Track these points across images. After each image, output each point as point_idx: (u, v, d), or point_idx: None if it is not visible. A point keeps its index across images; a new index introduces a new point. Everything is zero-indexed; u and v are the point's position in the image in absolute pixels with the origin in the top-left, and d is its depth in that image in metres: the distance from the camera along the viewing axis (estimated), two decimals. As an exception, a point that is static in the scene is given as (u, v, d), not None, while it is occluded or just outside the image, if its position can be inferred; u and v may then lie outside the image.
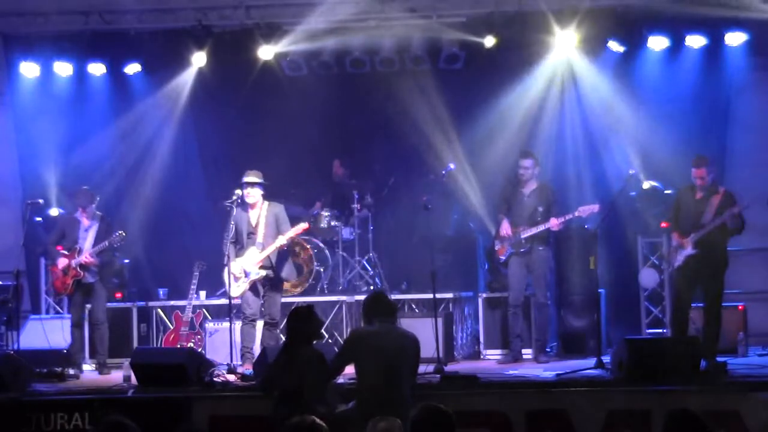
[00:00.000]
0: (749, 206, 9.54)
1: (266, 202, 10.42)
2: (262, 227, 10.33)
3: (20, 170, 12.94)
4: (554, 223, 10.64)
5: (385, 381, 7.39)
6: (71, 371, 10.44)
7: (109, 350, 11.12)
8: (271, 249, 10.22)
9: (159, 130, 12.95)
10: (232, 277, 10.27)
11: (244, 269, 10.22)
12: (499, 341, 11.32)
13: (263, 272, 10.25)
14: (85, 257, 10.67)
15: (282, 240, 10.21)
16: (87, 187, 11.13)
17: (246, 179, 10.32)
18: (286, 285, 11.23)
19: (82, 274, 10.71)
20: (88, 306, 11.11)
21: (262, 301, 10.39)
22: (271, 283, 10.32)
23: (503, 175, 11.67)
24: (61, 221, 11.26)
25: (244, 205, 10.39)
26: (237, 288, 10.27)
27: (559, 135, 12.14)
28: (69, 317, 11.12)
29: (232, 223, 10.24)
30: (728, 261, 9.65)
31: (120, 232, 10.75)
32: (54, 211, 12.33)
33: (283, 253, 10.41)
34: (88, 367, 11.24)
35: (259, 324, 10.53)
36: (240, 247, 10.31)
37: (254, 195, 10.34)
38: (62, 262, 10.75)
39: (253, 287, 10.30)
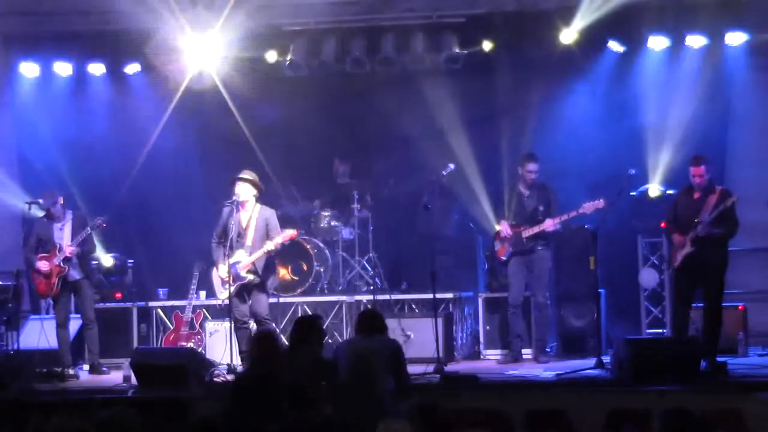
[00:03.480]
0: (739, 198, 9.54)
1: (258, 205, 10.33)
2: (251, 230, 10.23)
3: (20, 170, 12.94)
4: (549, 224, 10.64)
5: (357, 383, 7.53)
6: (71, 371, 10.44)
7: (109, 350, 11.14)
8: (259, 254, 10.16)
9: (159, 129, 12.95)
10: (219, 280, 10.27)
11: (234, 273, 10.14)
12: (499, 341, 11.32)
13: (250, 276, 10.18)
14: (69, 250, 10.63)
15: (270, 246, 10.13)
16: (46, 189, 11.12)
17: (239, 175, 10.29)
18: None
19: (66, 269, 10.66)
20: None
21: (249, 304, 10.36)
22: (255, 286, 10.25)
23: (505, 174, 11.67)
24: (35, 227, 11.05)
25: (236, 205, 10.35)
26: (224, 292, 10.21)
27: (560, 134, 12.13)
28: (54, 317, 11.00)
29: (224, 223, 10.22)
30: (728, 260, 9.64)
31: (99, 218, 10.73)
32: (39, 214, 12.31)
33: (271, 262, 10.38)
34: (86, 367, 11.24)
35: (253, 326, 10.55)
36: (228, 247, 10.17)
37: (245, 192, 10.22)
38: (44, 265, 10.64)
39: (239, 292, 10.23)
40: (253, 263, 10.16)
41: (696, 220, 9.56)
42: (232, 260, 10.12)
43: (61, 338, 10.80)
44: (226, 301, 10.27)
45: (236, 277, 10.14)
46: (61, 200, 10.89)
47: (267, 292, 10.35)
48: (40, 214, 11.39)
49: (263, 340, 7.83)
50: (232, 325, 10.17)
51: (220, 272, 10.28)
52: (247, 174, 10.30)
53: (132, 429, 5.47)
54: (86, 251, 10.87)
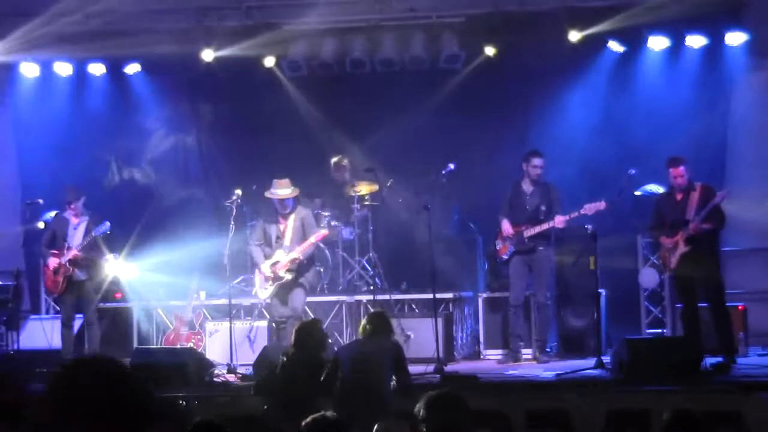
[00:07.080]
0: (729, 194, 9.55)
1: (297, 207, 10.60)
2: (289, 231, 10.49)
3: (20, 170, 12.94)
4: (559, 220, 10.59)
5: (360, 383, 7.59)
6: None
7: (109, 350, 11.11)
8: (294, 255, 10.37)
9: (159, 129, 12.96)
10: (262, 278, 10.41)
11: (274, 271, 10.38)
12: (499, 341, 11.31)
13: (289, 276, 10.39)
14: (73, 252, 10.66)
15: (303, 246, 10.38)
16: (72, 184, 11.14)
17: (279, 192, 10.38)
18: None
19: (72, 270, 10.68)
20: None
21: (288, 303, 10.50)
22: (293, 283, 10.44)
23: (505, 174, 11.66)
24: (52, 222, 11.17)
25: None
26: (265, 291, 10.46)
27: (560, 134, 12.13)
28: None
29: (262, 228, 10.52)
30: (720, 255, 9.65)
31: (102, 226, 10.71)
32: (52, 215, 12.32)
33: (309, 260, 10.59)
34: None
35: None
36: (268, 249, 10.50)
37: (287, 205, 10.46)
38: (53, 262, 10.72)
39: (279, 292, 10.42)
40: (292, 262, 10.35)
41: (686, 218, 9.57)
42: (272, 260, 10.41)
43: (65, 338, 10.82)
44: (239, 302, 10.41)
45: (276, 278, 10.38)
46: (83, 200, 10.91)
47: (304, 288, 10.55)
48: (41, 225, 11.43)
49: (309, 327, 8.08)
50: (232, 325, 10.19)
51: (263, 269, 10.46)
52: (284, 189, 10.45)
53: None
54: (94, 257, 10.84)
